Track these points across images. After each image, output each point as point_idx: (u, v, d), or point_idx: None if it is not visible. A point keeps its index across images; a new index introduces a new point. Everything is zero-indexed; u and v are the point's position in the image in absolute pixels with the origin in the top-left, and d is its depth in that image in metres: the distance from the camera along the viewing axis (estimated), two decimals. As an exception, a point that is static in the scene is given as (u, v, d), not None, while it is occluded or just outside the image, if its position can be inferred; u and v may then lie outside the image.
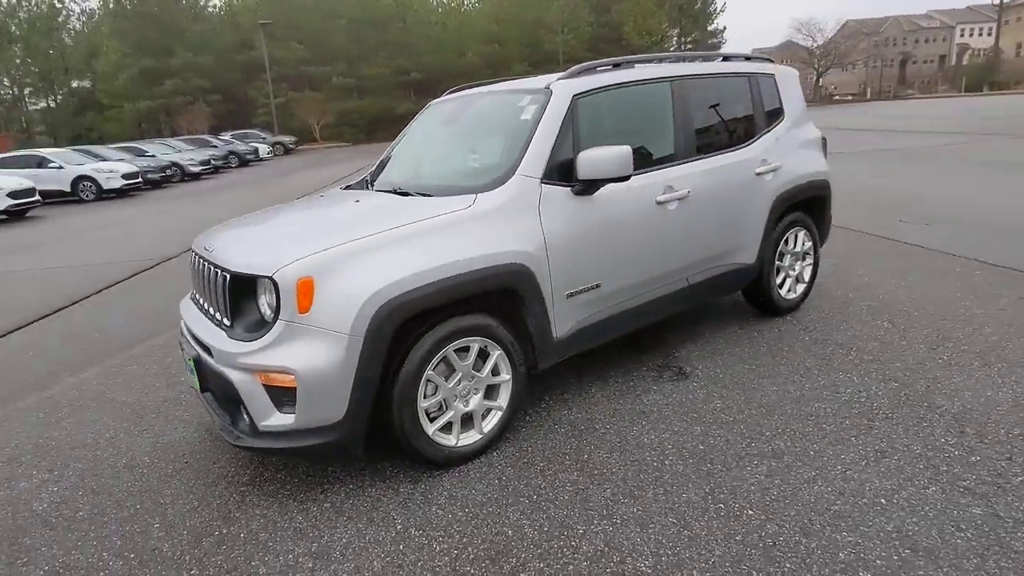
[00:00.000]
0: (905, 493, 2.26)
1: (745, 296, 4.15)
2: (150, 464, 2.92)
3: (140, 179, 18.77)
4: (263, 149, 31.88)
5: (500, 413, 2.79)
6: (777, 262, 4.01)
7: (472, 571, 2.06)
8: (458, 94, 3.82)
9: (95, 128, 46.85)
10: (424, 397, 2.54)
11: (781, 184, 3.81)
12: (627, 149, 2.82)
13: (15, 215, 14.43)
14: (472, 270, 2.52)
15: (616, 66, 3.31)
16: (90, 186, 17.51)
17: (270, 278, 2.31)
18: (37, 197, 14.92)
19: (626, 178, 2.86)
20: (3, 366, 4.46)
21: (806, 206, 4.12)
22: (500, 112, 3.33)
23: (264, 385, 2.34)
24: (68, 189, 17.42)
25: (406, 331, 2.45)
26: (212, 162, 25.54)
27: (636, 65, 3.41)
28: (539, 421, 3.03)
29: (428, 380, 2.53)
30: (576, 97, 3.02)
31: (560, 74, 3.17)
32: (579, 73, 3.15)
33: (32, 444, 3.21)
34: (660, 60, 3.60)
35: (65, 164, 17.68)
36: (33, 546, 2.38)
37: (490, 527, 2.27)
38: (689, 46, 57.61)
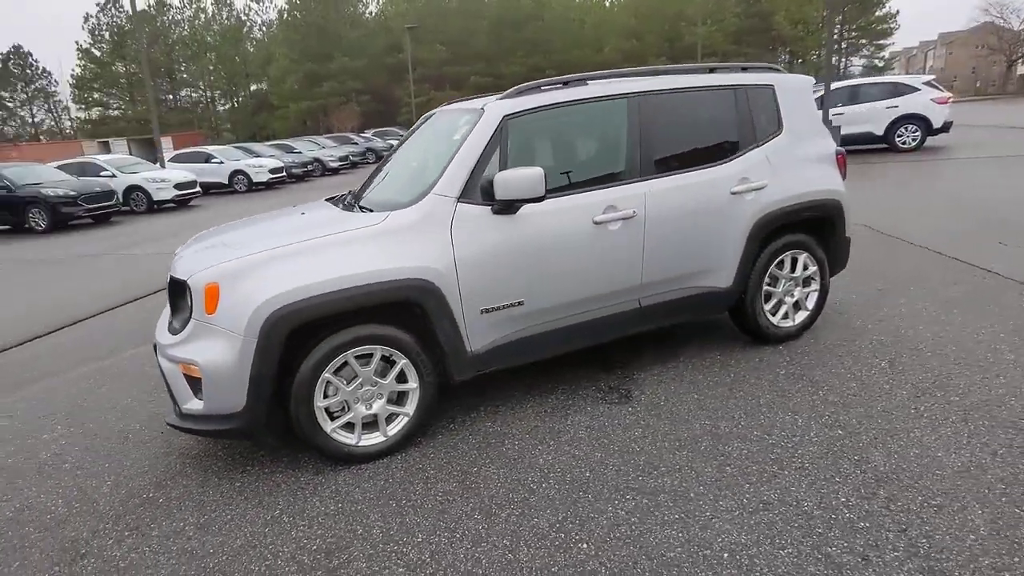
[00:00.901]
0: (755, 551, 2.10)
1: (733, 321, 3.91)
2: (138, 431, 3.44)
3: (284, 173, 20.99)
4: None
5: (407, 419, 2.94)
6: (768, 287, 3.73)
7: (306, 561, 2.25)
8: (438, 109, 3.98)
9: (267, 126, 52.81)
10: (325, 397, 2.77)
11: (768, 204, 3.54)
12: (539, 171, 2.83)
13: (180, 204, 16.83)
14: (366, 284, 2.70)
15: (566, 84, 3.29)
16: (243, 179, 19.93)
17: (186, 282, 2.67)
18: (198, 188, 17.30)
19: (540, 199, 2.88)
20: (100, 334, 5.37)
21: (809, 227, 3.78)
22: (444, 131, 3.45)
23: (184, 374, 2.71)
24: (225, 182, 19.98)
25: (302, 335, 2.69)
26: (351, 158, 27.86)
27: (590, 83, 3.35)
28: (458, 429, 3.13)
29: (328, 382, 2.76)
30: (507, 118, 3.07)
31: (503, 94, 3.23)
32: (517, 93, 3.19)
33: (70, 404, 3.89)
34: (628, 75, 3.50)
35: (225, 160, 20.27)
36: (19, 487, 2.95)
37: (347, 524, 2.45)
38: (855, 34, 52.54)
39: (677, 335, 4.10)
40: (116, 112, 54.66)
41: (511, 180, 2.83)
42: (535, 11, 50.12)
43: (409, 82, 43.93)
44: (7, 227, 14.06)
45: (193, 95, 60.75)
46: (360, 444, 2.87)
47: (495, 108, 3.09)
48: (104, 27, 53.67)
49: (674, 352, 3.85)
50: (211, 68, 57.10)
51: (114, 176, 16.48)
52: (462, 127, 3.14)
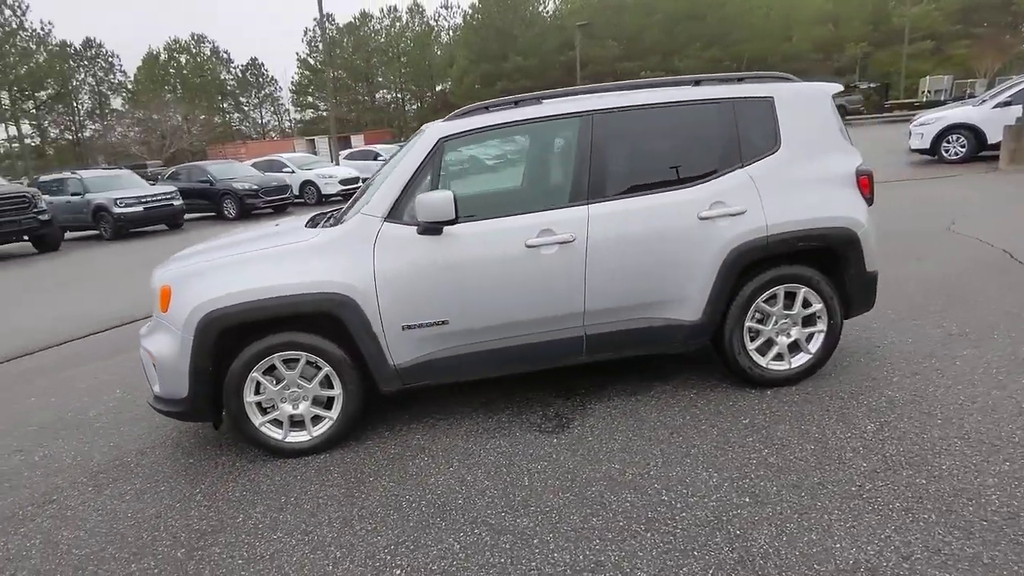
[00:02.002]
0: (543, 612, 1.98)
1: (720, 359, 3.54)
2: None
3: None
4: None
5: (331, 422, 3.15)
6: (754, 323, 3.33)
7: (182, 538, 2.56)
8: (427, 124, 4.09)
9: (446, 124, 56.60)
10: (256, 393, 3.08)
11: (748, 231, 3.16)
12: (448, 194, 2.86)
13: (345, 198, 18.90)
14: (285, 295, 2.94)
15: (516, 104, 3.23)
16: None
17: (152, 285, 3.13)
18: (360, 184, 19.28)
19: (451, 221, 2.90)
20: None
21: (812, 258, 3.30)
22: (402, 150, 3.56)
23: (149, 362, 3.18)
24: (388, 177, 21.98)
25: (234, 336, 3.01)
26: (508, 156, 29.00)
27: (546, 101, 3.25)
28: (387, 438, 3.26)
29: (257, 380, 3.06)
30: (443, 140, 3.11)
31: (449, 115, 3.27)
32: (461, 115, 3.20)
33: (110, 377, 4.69)
34: (597, 91, 3.33)
35: (388, 157, 22.26)
36: (60, 438, 3.67)
37: (235, 511, 2.72)
38: None
39: (667, 366, 3.81)
40: (324, 113, 62.26)
41: (426, 202, 2.89)
42: (716, 1, 47.50)
43: (576, 80, 44.37)
44: (210, 213, 16.90)
45: (388, 96, 67.07)
46: (287, 440, 3.14)
47: (433, 129, 3.15)
48: (319, 39, 61.23)
49: (649, 384, 3.60)
50: (402, 72, 62.44)
51: (293, 172, 18.94)
52: (407, 147, 3.25)
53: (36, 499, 2.99)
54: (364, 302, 3.00)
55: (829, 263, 3.33)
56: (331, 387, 3.13)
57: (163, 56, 53.74)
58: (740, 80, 3.42)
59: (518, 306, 3.13)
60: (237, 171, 17.54)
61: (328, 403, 3.17)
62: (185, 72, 54.79)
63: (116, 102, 50.50)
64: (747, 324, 3.32)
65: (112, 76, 50.58)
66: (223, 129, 52.87)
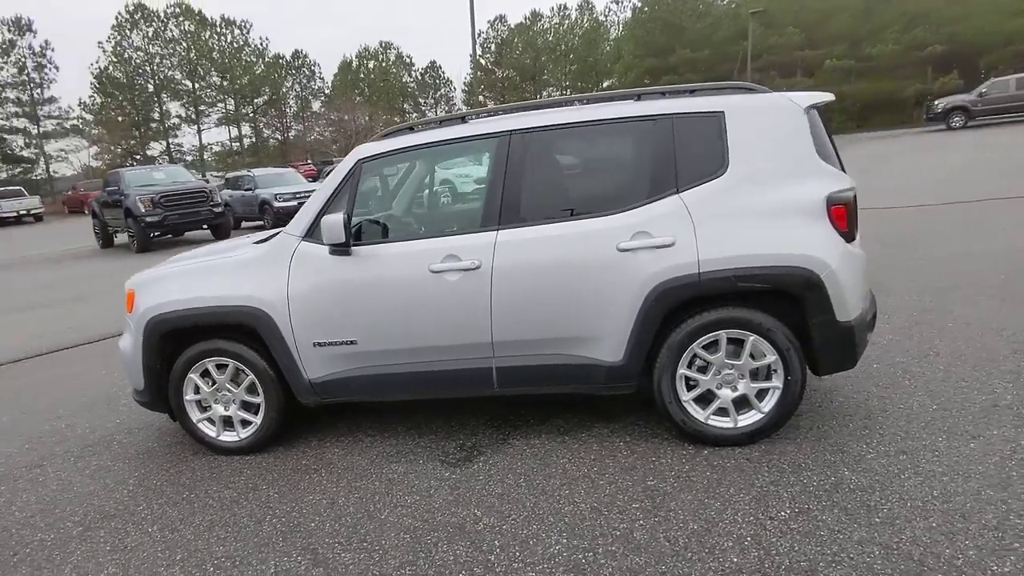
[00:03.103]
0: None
1: (660, 404, 3.14)
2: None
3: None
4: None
5: (255, 427, 3.34)
6: (693, 372, 2.92)
7: (89, 517, 2.89)
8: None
9: (608, 121, 56.03)
10: (195, 393, 3.37)
11: (676, 266, 2.76)
12: (339, 217, 2.88)
13: None
14: (209, 306, 3.17)
15: (440, 124, 3.13)
16: None
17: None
18: None
19: (341, 244, 2.92)
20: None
21: (767, 301, 2.81)
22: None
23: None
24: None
25: (176, 340, 3.32)
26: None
27: (471, 121, 3.10)
28: (297, 450, 3.36)
29: (195, 381, 3.34)
30: (361, 162, 3.12)
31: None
32: (383, 136, 3.18)
33: None
34: (527, 109, 3.11)
35: None
36: (92, 412, 4.32)
37: (124, 501, 3.01)
38: None
39: (624, 405, 3.47)
40: (492, 112, 64.96)
41: (326, 225, 2.94)
42: (924, -27, 41.18)
43: (747, 71, 41.35)
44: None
45: (554, 94, 67.95)
46: (219, 439, 3.39)
47: (357, 150, 3.18)
48: (491, 40, 63.89)
49: (589, 424, 3.31)
50: (568, 70, 62.84)
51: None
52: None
53: (32, 461, 3.56)
54: (278, 317, 3.13)
55: (787, 307, 2.81)
56: (256, 394, 3.32)
57: (355, 63, 59.74)
58: (692, 92, 2.99)
59: (424, 332, 3.06)
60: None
61: (257, 408, 3.37)
62: (372, 76, 60.36)
63: (315, 105, 57.23)
64: (681, 371, 2.91)
65: (313, 82, 57.39)
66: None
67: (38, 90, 41.46)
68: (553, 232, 2.91)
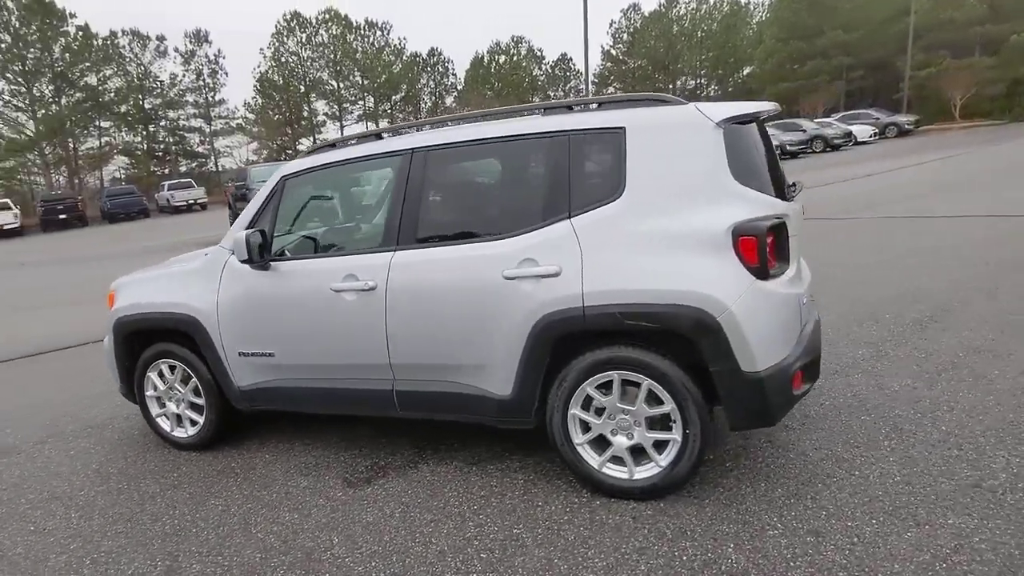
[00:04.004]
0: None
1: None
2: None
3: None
4: (863, 132, 29.30)
5: (199, 427, 3.55)
6: (589, 415, 2.65)
7: (33, 491, 3.25)
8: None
9: (744, 111, 52.55)
10: (154, 390, 3.65)
11: (559, 297, 2.52)
12: (243, 235, 2.96)
13: None
14: (155, 312, 3.42)
15: (359, 140, 3.09)
16: None
17: None
18: None
19: (245, 262, 2.99)
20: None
21: (667, 343, 2.48)
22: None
23: (109, 350, 4.01)
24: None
25: (139, 340, 3.61)
26: (787, 147, 25.76)
27: (386, 137, 3.03)
28: (237, 453, 3.50)
29: (152, 380, 3.62)
30: (285, 178, 3.18)
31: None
32: (308, 152, 3.20)
33: None
34: (434, 124, 2.97)
35: None
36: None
37: (73, 485, 3.31)
38: None
39: (554, 438, 3.24)
40: (621, 103, 63.51)
41: (235, 240, 3.04)
42: None
43: (907, 51, 36.85)
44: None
45: (690, 83, 64.98)
46: (173, 434, 3.64)
47: (280, 168, 3.24)
48: (623, 30, 62.38)
49: (508, 454, 3.14)
50: (704, 57, 59.74)
51: None
52: (270, 183, 3.40)
53: (40, 437, 4.05)
54: (209, 325, 3.29)
55: (682, 349, 2.46)
56: (200, 396, 3.52)
57: (485, 59, 61.20)
58: (599, 106, 2.69)
59: (330, 349, 3.07)
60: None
61: (202, 409, 3.57)
62: (502, 71, 61.47)
63: (448, 100, 59.53)
64: (573, 412, 2.66)
65: (447, 79, 59.69)
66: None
67: (211, 93, 47.08)
68: (444, 255, 2.78)
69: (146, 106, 44.55)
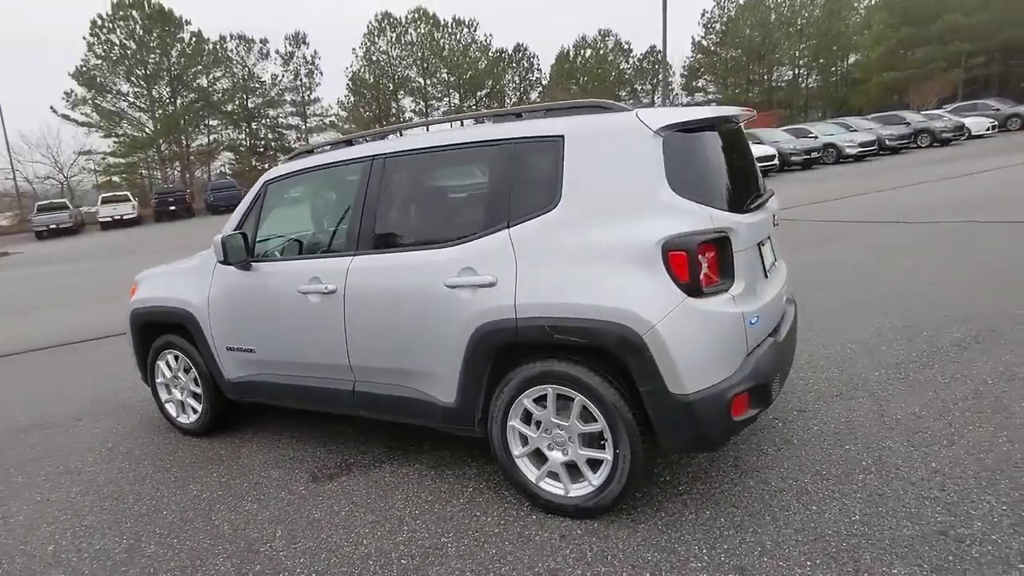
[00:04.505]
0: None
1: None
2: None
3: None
4: (979, 125, 26.60)
5: (198, 414, 3.79)
6: (527, 428, 2.61)
7: (46, 466, 3.61)
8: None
9: (848, 102, 49.22)
10: (163, 377, 3.94)
11: (494, 308, 2.49)
12: (218, 238, 3.12)
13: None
14: (157, 305, 3.69)
15: (333, 146, 3.18)
16: (832, 152, 22.20)
17: None
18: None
19: (222, 262, 3.16)
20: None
21: (601, 358, 2.40)
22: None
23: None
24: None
25: (153, 330, 3.90)
26: (887, 142, 23.89)
27: (356, 143, 3.09)
28: (230, 439, 3.72)
29: (161, 368, 3.91)
30: (267, 183, 3.33)
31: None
32: (290, 157, 3.32)
33: None
34: (391, 133, 3.01)
35: (819, 135, 22.89)
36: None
37: (74, 463, 3.64)
38: None
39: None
40: (710, 96, 61.04)
41: (214, 242, 3.22)
42: None
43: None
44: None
45: (788, 73, 61.55)
46: (177, 419, 3.91)
47: (265, 175, 3.39)
48: (716, 19, 59.92)
49: (468, 459, 3.14)
50: (802, 47, 56.33)
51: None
52: (260, 187, 3.56)
53: (79, 414, 4.48)
54: (202, 320, 3.51)
55: (617, 367, 2.36)
56: (199, 385, 3.76)
57: (571, 53, 60.75)
58: (546, 113, 2.62)
59: (299, 349, 3.20)
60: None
61: (201, 398, 3.81)
62: (588, 65, 60.80)
63: (533, 96, 59.61)
64: (512, 423, 2.63)
65: (531, 74, 59.81)
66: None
67: (307, 92, 49.76)
68: (394, 261, 2.82)
69: (249, 105, 47.73)
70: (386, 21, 50.90)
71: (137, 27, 41.65)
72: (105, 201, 30.35)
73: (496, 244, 2.54)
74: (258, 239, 3.36)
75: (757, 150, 21.06)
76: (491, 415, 2.66)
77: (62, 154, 41.35)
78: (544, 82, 59.95)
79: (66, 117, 40.94)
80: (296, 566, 2.46)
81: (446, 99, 54.04)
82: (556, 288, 2.38)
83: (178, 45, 43.53)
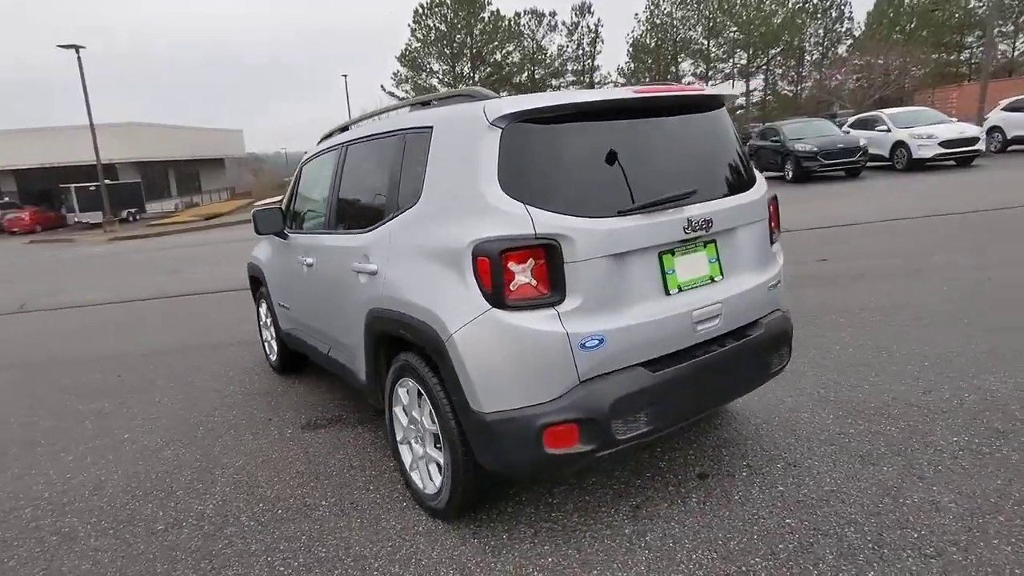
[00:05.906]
0: None
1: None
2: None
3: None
4: None
5: (275, 354, 4.55)
6: (403, 416, 2.64)
7: (87, 429, 4.74)
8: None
9: None
10: (260, 320, 4.81)
11: (375, 296, 2.56)
12: (253, 212, 3.69)
13: (959, 162, 15.31)
14: (250, 262, 4.51)
15: (343, 130, 3.47)
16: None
17: None
18: (978, 147, 15.19)
19: (259, 232, 3.72)
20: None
21: (426, 355, 2.32)
22: None
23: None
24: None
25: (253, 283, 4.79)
26: None
27: (351, 128, 3.34)
28: (280, 382, 4.39)
29: (259, 311, 4.78)
30: (302, 164, 3.78)
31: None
32: (322, 139, 3.69)
33: None
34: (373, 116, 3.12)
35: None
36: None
37: (115, 430, 4.67)
38: None
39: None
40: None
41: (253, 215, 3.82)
42: None
43: None
44: (777, 173, 16.97)
45: None
46: (270, 357, 4.76)
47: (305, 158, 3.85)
48: None
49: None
50: None
51: (888, 131, 16.40)
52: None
53: (176, 375, 5.72)
54: (263, 275, 4.23)
55: (434, 364, 2.25)
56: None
57: (898, -5, 50.30)
58: (441, 101, 2.49)
59: (303, 312, 3.65)
60: (811, 130, 16.73)
61: (277, 343, 4.57)
62: (918, 7, 49.74)
63: (840, 50, 51.40)
64: (395, 409, 2.67)
65: (840, 24, 51.39)
66: (931, 70, 45.57)
67: (589, 60, 51.08)
68: (336, 242, 3.04)
69: (536, 76, 51.05)
70: (681, -21, 48.97)
71: (448, 12, 47.51)
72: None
73: (381, 235, 2.58)
74: (292, 213, 3.87)
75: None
76: (385, 396, 2.74)
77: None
78: (855, 33, 51.34)
79: (391, 94, 49.22)
80: (225, 492, 2.92)
81: (731, 60, 50.22)
82: (404, 284, 2.35)
83: (479, 24, 48.45)
